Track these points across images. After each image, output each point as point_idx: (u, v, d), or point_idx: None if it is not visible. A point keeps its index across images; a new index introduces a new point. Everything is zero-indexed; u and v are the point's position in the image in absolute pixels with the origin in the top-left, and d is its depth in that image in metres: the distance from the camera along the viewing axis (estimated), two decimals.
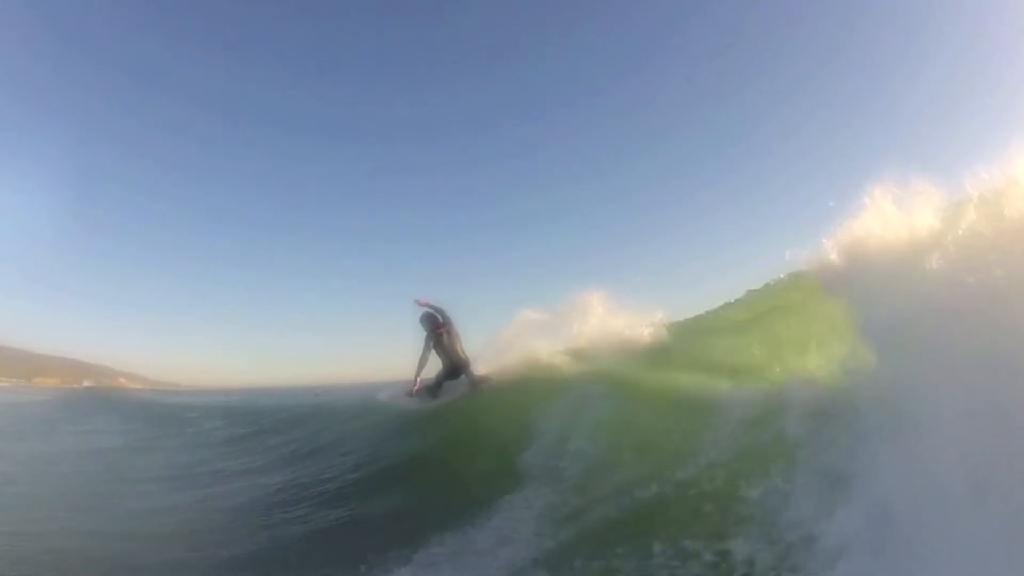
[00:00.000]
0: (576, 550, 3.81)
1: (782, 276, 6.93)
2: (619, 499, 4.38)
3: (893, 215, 4.52)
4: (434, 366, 8.75)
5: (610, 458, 5.15)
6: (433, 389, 8.65)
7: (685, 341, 7.53)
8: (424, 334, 8.40)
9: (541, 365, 8.34)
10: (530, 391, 7.53)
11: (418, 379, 8.62)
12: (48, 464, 9.14)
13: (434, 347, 8.36)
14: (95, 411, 21.38)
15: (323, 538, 4.89)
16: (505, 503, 4.85)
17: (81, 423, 16.83)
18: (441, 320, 8.41)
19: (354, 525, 5.14)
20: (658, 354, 7.42)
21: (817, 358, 5.24)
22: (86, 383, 73.06)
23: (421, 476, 6.26)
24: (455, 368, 8.41)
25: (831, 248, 5.16)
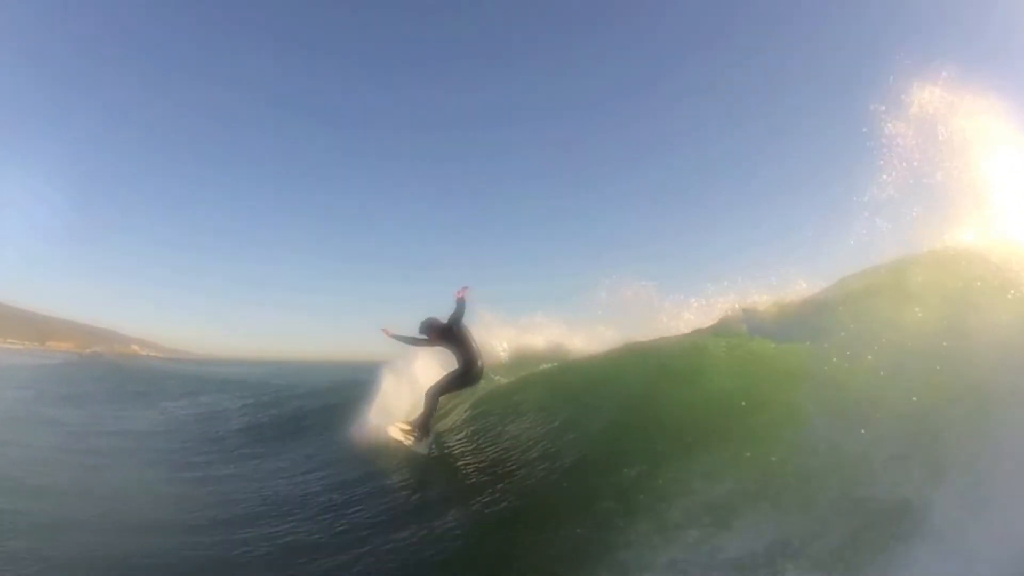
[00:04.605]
0: None
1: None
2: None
3: None
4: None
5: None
6: (424, 424, 6.79)
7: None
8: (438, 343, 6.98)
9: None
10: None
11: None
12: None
13: (450, 347, 6.86)
14: (151, 380, 21.33)
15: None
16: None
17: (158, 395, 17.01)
18: (443, 323, 6.85)
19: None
20: None
21: None
22: (97, 348, 72.83)
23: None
24: (470, 366, 6.74)
25: None
